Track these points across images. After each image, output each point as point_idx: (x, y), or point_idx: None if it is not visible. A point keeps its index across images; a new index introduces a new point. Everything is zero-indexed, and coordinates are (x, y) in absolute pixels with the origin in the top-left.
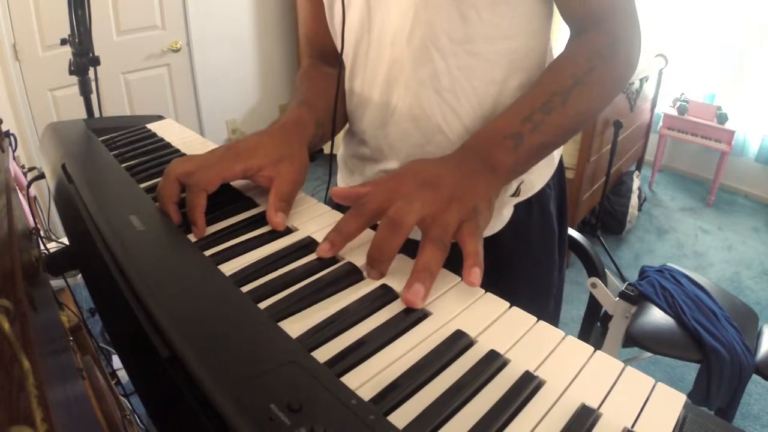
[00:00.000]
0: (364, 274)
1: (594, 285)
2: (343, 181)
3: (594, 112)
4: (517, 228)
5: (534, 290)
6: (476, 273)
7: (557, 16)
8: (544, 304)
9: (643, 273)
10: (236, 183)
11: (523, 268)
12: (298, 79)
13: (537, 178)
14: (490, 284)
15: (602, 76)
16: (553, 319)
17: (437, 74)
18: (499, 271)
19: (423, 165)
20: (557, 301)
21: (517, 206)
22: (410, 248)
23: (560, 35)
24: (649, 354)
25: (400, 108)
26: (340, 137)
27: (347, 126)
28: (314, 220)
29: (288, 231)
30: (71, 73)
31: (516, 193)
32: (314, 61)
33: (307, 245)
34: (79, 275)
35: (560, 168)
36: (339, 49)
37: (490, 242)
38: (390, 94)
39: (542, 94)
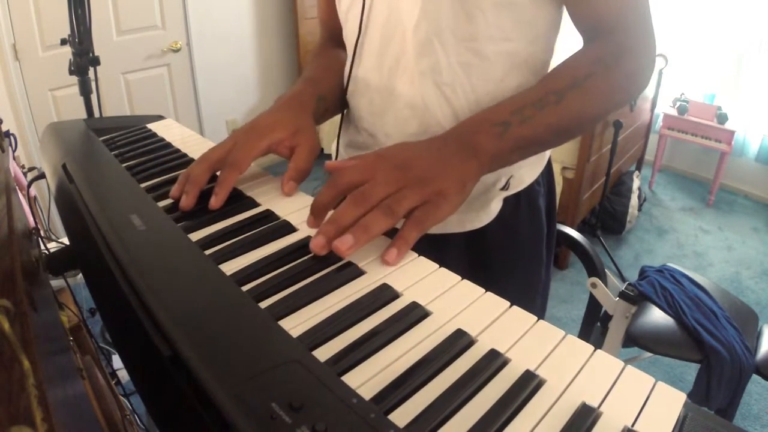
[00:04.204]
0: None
1: (594, 285)
2: None
3: (590, 117)
4: (505, 222)
5: (521, 284)
6: (392, 253)
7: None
8: (530, 300)
9: (643, 273)
10: (237, 183)
11: (511, 261)
12: (309, 58)
13: (526, 173)
14: (477, 276)
15: (601, 83)
16: (539, 315)
17: (438, 67)
18: (487, 264)
19: (402, 148)
20: (543, 298)
21: (506, 200)
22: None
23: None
24: (649, 354)
25: (402, 97)
26: (333, 135)
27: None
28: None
29: (289, 231)
30: (71, 73)
31: (505, 187)
32: (326, 42)
33: (308, 245)
34: (79, 275)
35: (549, 166)
36: (344, 34)
37: (478, 235)
38: (393, 82)
39: (538, 91)
